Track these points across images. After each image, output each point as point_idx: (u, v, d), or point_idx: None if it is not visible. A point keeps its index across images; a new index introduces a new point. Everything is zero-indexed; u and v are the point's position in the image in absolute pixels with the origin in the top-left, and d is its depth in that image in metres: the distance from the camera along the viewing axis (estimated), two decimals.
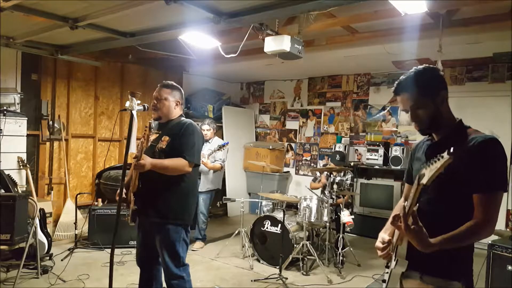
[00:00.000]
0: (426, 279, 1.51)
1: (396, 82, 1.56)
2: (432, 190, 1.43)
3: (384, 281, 1.54)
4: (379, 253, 1.58)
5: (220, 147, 4.58)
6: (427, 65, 1.56)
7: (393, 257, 1.52)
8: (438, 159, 1.21)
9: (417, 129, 1.57)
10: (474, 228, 1.37)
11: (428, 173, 1.24)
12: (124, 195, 2.46)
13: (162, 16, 3.38)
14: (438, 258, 1.41)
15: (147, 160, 2.30)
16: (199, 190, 4.72)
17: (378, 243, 1.60)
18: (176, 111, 2.59)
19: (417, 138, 5.90)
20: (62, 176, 5.24)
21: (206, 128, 4.80)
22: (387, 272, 1.53)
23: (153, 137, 2.55)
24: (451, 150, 1.18)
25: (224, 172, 6.03)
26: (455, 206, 1.44)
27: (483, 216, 1.37)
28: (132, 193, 2.45)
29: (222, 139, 6.35)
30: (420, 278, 1.52)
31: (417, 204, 1.32)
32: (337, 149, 6.20)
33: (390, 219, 1.44)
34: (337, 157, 6.01)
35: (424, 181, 1.25)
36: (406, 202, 1.34)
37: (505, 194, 1.51)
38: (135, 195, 2.45)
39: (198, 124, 2.76)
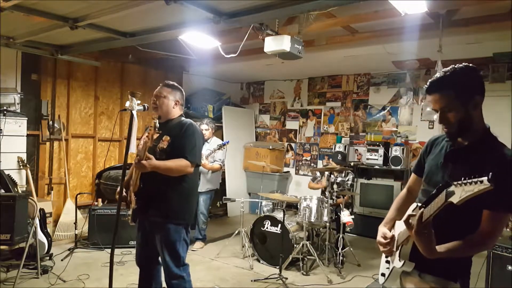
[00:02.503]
0: (425, 277, 1.51)
1: (430, 80, 1.48)
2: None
3: (383, 274, 1.55)
4: (381, 248, 1.60)
5: (221, 146, 4.58)
6: (466, 64, 1.47)
7: (397, 256, 1.53)
8: (476, 183, 1.15)
9: (445, 131, 1.50)
10: (479, 241, 1.39)
11: (460, 193, 1.18)
12: (124, 195, 2.47)
13: (162, 16, 3.38)
14: (438, 258, 1.41)
15: (151, 162, 2.29)
16: (199, 190, 4.72)
17: (380, 238, 1.61)
18: (175, 111, 2.60)
19: (417, 138, 5.91)
20: (62, 176, 5.24)
21: (205, 128, 4.80)
22: (388, 268, 1.54)
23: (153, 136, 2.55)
24: (491, 176, 1.12)
25: (224, 172, 6.03)
26: (466, 217, 1.42)
27: (489, 231, 1.38)
28: (134, 193, 2.45)
29: (222, 139, 6.34)
30: (419, 276, 1.53)
31: (448, 204, 1.29)
32: (337, 149, 6.21)
33: (405, 217, 1.43)
34: (338, 157, 6.01)
35: (454, 200, 1.20)
36: (425, 209, 1.32)
37: None
38: (136, 195, 2.45)
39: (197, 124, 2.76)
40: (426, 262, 1.44)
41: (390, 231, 1.61)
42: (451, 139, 1.51)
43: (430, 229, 1.32)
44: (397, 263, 1.53)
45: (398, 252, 1.53)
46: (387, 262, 1.58)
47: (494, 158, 1.38)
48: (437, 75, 1.47)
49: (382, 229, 1.64)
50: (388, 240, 1.57)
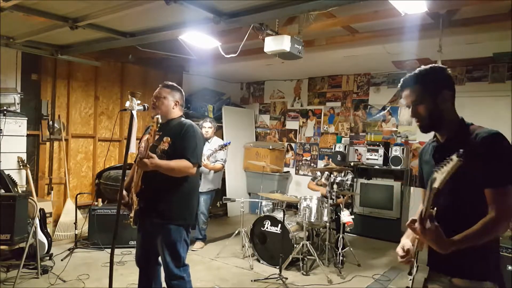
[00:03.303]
0: (456, 281, 1.48)
1: (403, 78, 1.59)
2: (446, 191, 1.40)
3: None
4: (399, 259, 1.56)
5: (222, 147, 4.57)
6: (435, 65, 1.59)
7: (415, 264, 1.51)
8: (448, 162, 1.22)
9: (417, 125, 1.58)
10: (489, 223, 1.37)
11: (439, 176, 1.24)
12: (126, 197, 2.47)
13: (162, 16, 3.38)
14: (466, 259, 1.40)
15: (154, 161, 2.28)
16: (200, 190, 4.72)
17: (399, 249, 1.58)
18: (175, 112, 2.60)
19: (417, 138, 5.91)
20: (62, 176, 5.24)
21: (208, 126, 4.78)
22: (410, 279, 1.52)
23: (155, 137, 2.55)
24: (460, 152, 1.19)
25: (224, 172, 6.03)
26: (471, 204, 1.44)
27: (496, 211, 1.37)
28: (135, 194, 2.45)
29: (222, 139, 6.34)
30: (450, 281, 1.49)
31: (435, 208, 1.32)
32: (337, 149, 6.21)
33: (408, 222, 1.43)
34: (338, 157, 6.01)
35: (436, 184, 1.25)
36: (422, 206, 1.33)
37: None
38: (137, 196, 2.45)
39: (199, 123, 2.76)
40: (454, 264, 1.42)
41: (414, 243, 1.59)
42: (424, 131, 1.58)
43: (434, 223, 1.32)
44: (414, 269, 1.51)
45: (415, 260, 1.52)
46: (410, 274, 1.54)
47: (474, 141, 1.43)
48: (409, 74, 1.58)
49: (403, 241, 1.61)
50: (405, 253, 1.55)
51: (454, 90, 1.55)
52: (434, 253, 1.38)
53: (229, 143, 4.63)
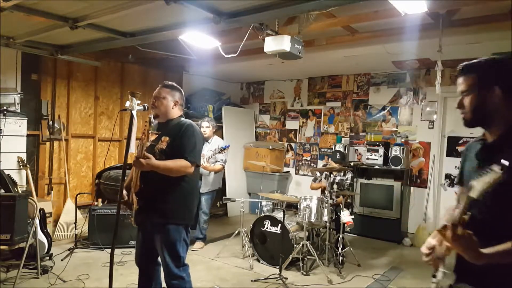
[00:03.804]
0: None
1: (463, 63, 1.48)
2: (486, 197, 1.28)
3: None
4: (424, 258, 1.48)
5: (221, 150, 4.56)
6: (497, 57, 1.47)
7: (440, 268, 1.43)
8: (489, 172, 1.13)
9: (461, 117, 1.47)
10: None
11: (478, 186, 1.15)
12: (125, 196, 2.47)
13: (162, 16, 3.38)
14: (496, 273, 1.28)
15: (150, 162, 2.28)
16: (201, 191, 4.72)
17: (424, 248, 1.48)
18: (174, 111, 2.60)
19: (417, 138, 5.91)
20: (62, 176, 5.24)
21: (205, 125, 4.78)
22: (434, 282, 1.45)
23: (152, 137, 2.55)
24: (505, 164, 1.10)
25: (224, 172, 6.03)
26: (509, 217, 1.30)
27: None
28: (134, 194, 2.45)
29: (222, 139, 6.34)
30: None
31: (470, 213, 1.21)
32: (337, 149, 6.21)
33: (440, 227, 1.31)
34: (338, 155, 6.00)
35: (473, 194, 1.16)
36: (456, 211, 1.23)
37: None
38: (136, 195, 2.45)
39: (197, 123, 2.77)
40: (480, 274, 1.30)
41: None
42: (466, 125, 1.47)
43: (467, 231, 1.20)
44: (440, 274, 1.42)
45: (441, 263, 1.43)
46: (434, 276, 1.45)
47: None
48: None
49: (429, 240, 1.51)
50: (430, 251, 1.45)
51: (509, 89, 1.40)
52: (463, 260, 1.27)
53: (228, 147, 4.62)
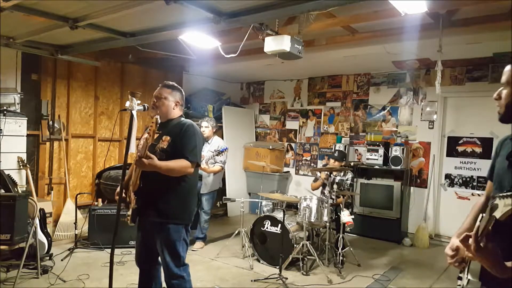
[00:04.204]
0: None
1: None
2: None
3: None
4: (448, 260, 1.41)
5: (219, 153, 4.54)
6: None
7: (465, 272, 1.37)
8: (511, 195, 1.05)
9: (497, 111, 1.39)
10: None
11: (502, 206, 1.07)
12: (123, 195, 2.46)
13: (162, 16, 3.38)
14: None
15: (153, 162, 2.28)
16: (201, 192, 4.72)
17: (448, 249, 1.42)
18: (175, 112, 2.60)
19: (417, 138, 5.90)
20: (62, 176, 5.24)
21: (205, 125, 4.77)
22: (459, 285, 1.40)
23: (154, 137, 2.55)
24: None
25: (224, 172, 6.03)
26: None
27: None
28: (133, 193, 2.45)
29: (222, 138, 6.34)
30: None
31: (494, 220, 1.12)
32: (337, 149, 6.20)
33: (462, 237, 1.22)
34: (336, 153, 5.98)
35: (497, 215, 1.08)
36: (479, 222, 1.15)
37: None
38: (135, 194, 2.45)
39: (197, 123, 2.77)
40: (502, 282, 1.20)
41: None
42: (500, 120, 1.39)
43: (491, 243, 1.13)
44: (465, 280, 1.36)
45: (467, 267, 1.36)
46: (459, 278, 1.40)
47: None
48: None
49: (453, 240, 1.43)
50: (454, 252, 1.38)
51: None
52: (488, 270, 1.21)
53: (226, 149, 4.60)
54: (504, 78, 1.35)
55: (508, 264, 1.16)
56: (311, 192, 4.86)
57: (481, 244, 1.13)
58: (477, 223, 1.18)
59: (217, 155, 4.56)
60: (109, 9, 3.17)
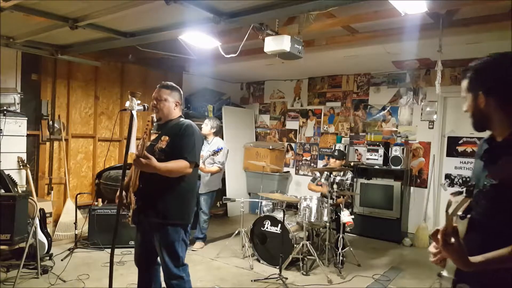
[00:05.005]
0: None
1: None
2: (485, 201, 1.29)
3: None
4: (431, 258, 1.47)
5: (215, 153, 4.54)
6: (496, 57, 1.40)
7: (444, 269, 1.42)
8: (460, 193, 1.17)
9: None
10: None
11: (453, 204, 1.17)
12: (123, 197, 2.46)
13: (162, 16, 3.38)
14: (493, 272, 1.27)
15: (152, 163, 2.27)
16: (200, 192, 4.72)
17: (431, 247, 1.47)
18: (175, 112, 2.60)
19: (417, 138, 5.91)
20: (62, 176, 5.24)
21: (205, 123, 4.81)
22: (438, 281, 1.44)
23: (152, 136, 2.55)
24: (470, 188, 1.13)
25: (224, 172, 6.03)
26: (509, 221, 1.27)
27: None
28: (133, 193, 2.45)
29: (222, 139, 6.34)
30: None
31: (468, 216, 1.23)
32: (336, 148, 6.19)
33: (432, 232, 1.31)
34: (336, 152, 5.98)
35: (449, 211, 1.19)
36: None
37: None
38: (135, 195, 2.45)
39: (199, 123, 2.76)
40: (475, 275, 1.28)
41: None
42: (474, 129, 1.47)
43: (457, 240, 1.21)
44: (442, 277, 1.42)
45: (445, 265, 1.42)
46: (439, 275, 1.44)
47: None
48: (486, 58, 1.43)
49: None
50: (438, 250, 1.43)
51: (506, 92, 1.35)
52: None
53: (220, 149, 4.57)
54: (462, 93, 1.43)
55: (472, 259, 1.22)
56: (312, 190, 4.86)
57: (449, 240, 1.21)
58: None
59: (212, 155, 4.55)
60: (109, 9, 3.17)
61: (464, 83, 1.43)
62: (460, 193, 1.18)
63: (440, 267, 1.45)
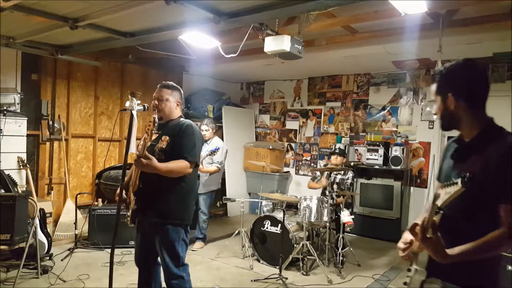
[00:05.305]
0: (448, 286, 1.42)
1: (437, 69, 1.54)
2: (458, 196, 1.34)
3: (405, 283, 1.47)
4: (400, 253, 1.52)
5: (212, 152, 4.54)
6: (459, 62, 1.49)
7: (414, 264, 1.48)
8: (453, 184, 1.19)
9: None
10: (500, 239, 1.29)
11: (443, 195, 1.21)
12: (124, 196, 2.46)
13: (162, 16, 3.38)
14: (461, 265, 1.33)
15: (152, 163, 2.26)
16: (199, 192, 4.72)
17: (400, 243, 1.53)
18: (176, 112, 2.61)
19: (417, 138, 5.90)
20: (62, 176, 5.24)
21: (205, 129, 4.78)
22: (408, 276, 1.48)
23: (153, 136, 2.55)
24: (467, 176, 1.15)
25: (224, 172, 6.03)
26: (481, 215, 1.35)
27: (508, 225, 1.28)
28: (133, 193, 2.45)
29: (222, 139, 6.34)
30: (443, 285, 1.44)
31: (442, 212, 1.28)
32: (336, 147, 6.19)
33: (410, 226, 1.38)
34: (337, 150, 5.96)
35: (438, 203, 1.22)
36: (426, 214, 1.29)
37: None
38: (135, 195, 2.45)
39: (197, 124, 2.76)
40: (448, 269, 1.34)
41: None
42: (442, 129, 1.58)
43: (436, 234, 1.27)
44: (413, 270, 1.47)
45: (415, 259, 1.47)
46: (409, 270, 1.49)
47: (497, 150, 1.34)
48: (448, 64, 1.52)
49: (406, 235, 1.53)
50: (407, 245, 1.49)
51: (473, 94, 1.44)
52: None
53: (217, 149, 4.56)
54: (432, 96, 1.53)
55: (449, 251, 1.29)
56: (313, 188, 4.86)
57: (428, 234, 1.27)
58: (424, 214, 1.35)
59: (209, 154, 4.55)
60: (109, 9, 3.17)
61: (433, 87, 1.51)
62: (452, 184, 1.20)
63: (408, 263, 1.51)
